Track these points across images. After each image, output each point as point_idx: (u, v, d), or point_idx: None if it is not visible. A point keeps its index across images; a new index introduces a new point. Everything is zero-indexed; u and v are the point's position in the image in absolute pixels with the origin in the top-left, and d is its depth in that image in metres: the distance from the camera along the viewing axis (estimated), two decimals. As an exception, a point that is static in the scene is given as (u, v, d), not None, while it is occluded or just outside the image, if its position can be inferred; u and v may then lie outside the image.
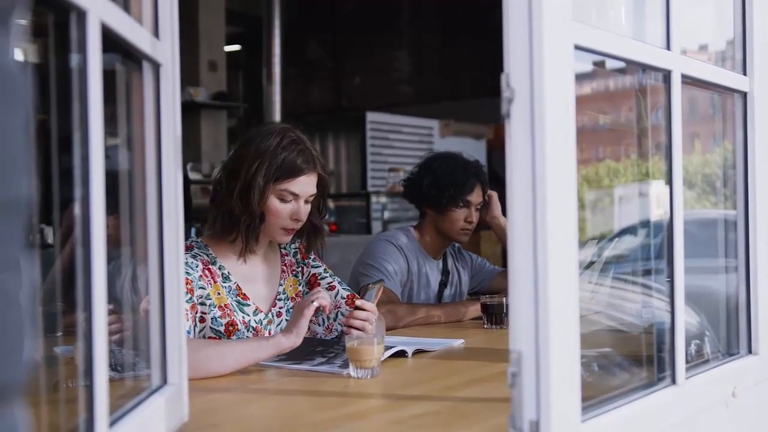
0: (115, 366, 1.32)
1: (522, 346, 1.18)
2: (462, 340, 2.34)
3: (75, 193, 1.01)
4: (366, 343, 1.85)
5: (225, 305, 2.16)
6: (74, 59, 1.01)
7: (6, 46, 0.59)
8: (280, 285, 2.31)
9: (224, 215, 2.17)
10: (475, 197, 2.97)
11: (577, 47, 1.24)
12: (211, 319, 2.13)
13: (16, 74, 0.61)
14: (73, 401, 1.13)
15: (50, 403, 1.19)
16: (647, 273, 1.92)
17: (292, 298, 2.32)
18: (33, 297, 0.61)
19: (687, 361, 1.54)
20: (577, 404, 1.22)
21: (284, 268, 2.34)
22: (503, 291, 2.95)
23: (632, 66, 1.59)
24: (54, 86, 1.08)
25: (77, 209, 1.00)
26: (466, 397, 1.69)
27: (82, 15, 0.99)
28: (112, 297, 1.08)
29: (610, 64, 1.53)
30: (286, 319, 2.27)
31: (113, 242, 1.19)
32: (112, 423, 1.08)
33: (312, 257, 2.40)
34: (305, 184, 2.18)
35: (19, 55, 0.62)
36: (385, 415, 1.57)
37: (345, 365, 1.89)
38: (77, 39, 1.00)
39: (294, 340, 1.92)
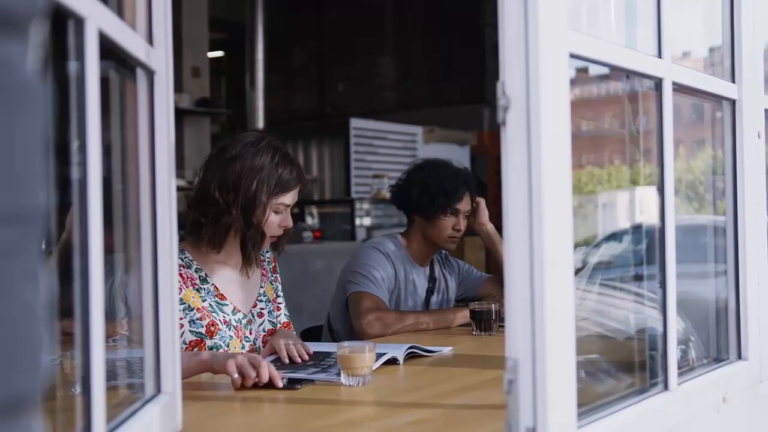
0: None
1: (518, 353, 1.18)
2: (451, 348, 2.34)
3: (64, 200, 1.01)
4: (357, 350, 1.84)
5: (202, 307, 2.20)
6: (71, 66, 1.01)
7: (24, 56, 0.59)
8: (261, 287, 2.39)
9: (223, 230, 2.22)
10: (464, 205, 2.98)
11: (573, 55, 1.24)
12: (190, 322, 2.17)
13: (35, 85, 0.60)
14: (66, 410, 1.12)
15: (45, 412, 1.17)
16: (634, 279, 1.93)
17: (273, 300, 2.41)
18: (50, 308, 0.61)
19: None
20: (573, 411, 1.22)
21: (263, 272, 2.43)
22: (490, 297, 2.95)
23: (617, 73, 1.60)
24: (49, 93, 1.07)
25: (75, 217, 1.00)
26: (459, 404, 1.69)
27: (80, 22, 0.99)
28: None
29: (594, 70, 1.54)
30: (269, 320, 2.37)
31: (105, 250, 1.18)
32: (109, 432, 1.08)
33: (278, 273, 2.50)
34: (295, 195, 2.30)
35: (36, 64, 0.62)
36: (380, 422, 1.57)
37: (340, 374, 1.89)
38: (75, 46, 1.00)
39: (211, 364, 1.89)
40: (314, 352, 2.17)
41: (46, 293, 0.59)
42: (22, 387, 0.57)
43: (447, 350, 2.32)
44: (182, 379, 1.89)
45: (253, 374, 1.80)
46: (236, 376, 1.80)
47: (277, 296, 2.47)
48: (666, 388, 1.51)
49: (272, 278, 2.46)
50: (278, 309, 2.46)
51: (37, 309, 0.58)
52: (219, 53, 10.17)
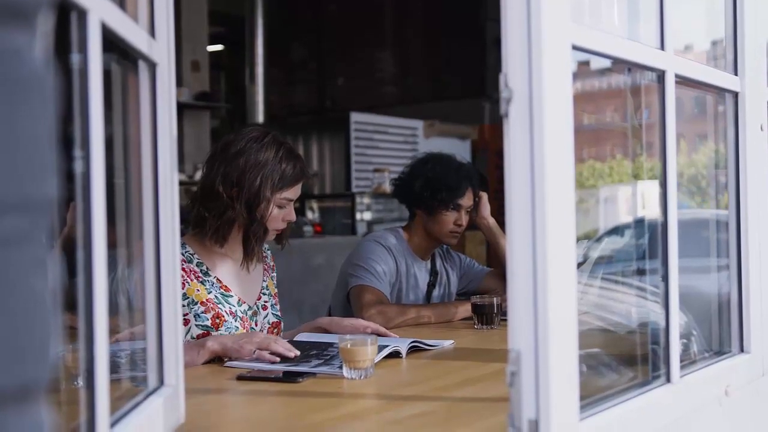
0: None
1: (521, 345, 1.18)
2: (452, 341, 2.34)
3: (66, 194, 1.01)
4: (359, 343, 1.85)
5: (207, 300, 2.22)
6: (74, 58, 1.01)
7: (32, 47, 0.59)
8: (264, 281, 2.41)
9: (227, 224, 2.24)
10: (466, 201, 2.98)
11: (575, 47, 1.24)
12: (195, 316, 2.19)
13: (43, 74, 0.61)
14: (70, 403, 1.12)
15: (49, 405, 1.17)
16: (636, 273, 1.93)
17: (274, 295, 2.44)
18: (58, 297, 0.61)
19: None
20: (575, 403, 1.22)
21: (265, 267, 2.45)
22: (492, 291, 2.96)
23: (619, 66, 1.60)
24: (57, 84, 1.07)
25: (79, 211, 0.99)
26: (461, 396, 1.69)
27: (82, 14, 0.98)
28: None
29: (596, 64, 1.54)
30: (272, 313, 2.40)
31: (107, 244, 1.18)
32: (113, 424, 1.08)
33: (275, 272, 2.54)
34: (298, 189, 2.31)
35: (44, 55, 0.62)
36: (382, 415, 1.57)
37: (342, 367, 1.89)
38: (77, 38, 0.99)
39: (217, 348, 2.04)
40: (316, 342, 2.19)
41: (54, 282, 0.60)
42: (31, 375, 0.57)
43: (448, 343, 2.32)
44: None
45: (280, 349, 2.00)
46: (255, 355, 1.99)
47: (276, 293, 2.49)
48: (668, 380, 1.51)
49: (272, 275, 2.49)
50: (264, 309, 2.47)
51: (45, 298, 0.58)
52: (219, 47, 10.16)
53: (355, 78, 9.86)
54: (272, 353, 2.00)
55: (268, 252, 2.50)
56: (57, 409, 1.21)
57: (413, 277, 3.03)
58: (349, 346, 1.84)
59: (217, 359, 2.09)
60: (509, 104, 1.19)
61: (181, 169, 7.08)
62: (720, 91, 1.81)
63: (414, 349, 2.18)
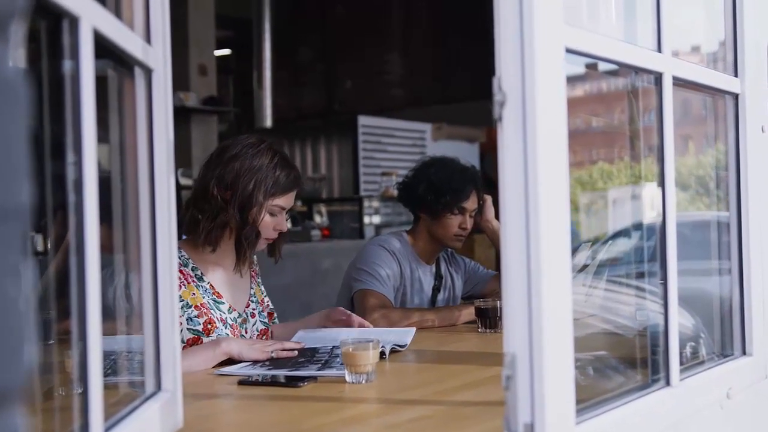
0: (107, 372, 1.31)
1: (516, 349, 1.18)
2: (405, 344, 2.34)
3: (68, 200, 1.01)
4: (361, 348, 1.84)
5: (201, 304, 2.24)
6: (66, 65, 1.01)
7: (5, 53, 0.60)
8: (251, 288, 2.43)
9: (220, 227, 2.25)
10: (471, 204, 2.97)
11: (569, 50, 1.24)
12: (187, 320, 2.20)
13: (17, 82, 0.61)
14: (65, 409, 1.12)
15: (44, 411, 1.18)
16: (641, 275, 1.93)
17: (261, 302, 2.45)
18: (32, 303, 0.62)
19: (682, 363, 1.54)
20: (571, 406, 1.22)
21: (253, 274, 2.47)
22: (497, 295, 2.95)
23: (624, 68, 1.59)
24: (45, 92, 1.07)
25: (71, 217, 1.00)
26: (460, 400, 1.69)
27: (74, 21, 0.99)
28: (105, 305, 1.08)
29: (603, 66, 1.54)
30: (260, 320, 2.42)
31: (105, 250, 1.19)
32: (107, 430, 1.08)
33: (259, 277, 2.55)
34: (290, 198, 2.33)
35: (18, 62, 0.62)
36: (381, 419, 1.57)
37: (343, 367, 1.88)
38: (69, 45, 1.00)
39: (236, 349, 2.09)
40: (304, 348, 2.20)
41: (29, 288, 0.60)
42: (3, 381, 0.57)
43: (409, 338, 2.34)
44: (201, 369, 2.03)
45: (290, 345, 2.16)
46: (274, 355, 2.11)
47: (265, 296, 2.50)
48: (668, 383, 1.51)
49: (258, 280, 2.51)
50: (265, 311, 2.48)
51: (19, 303, 0.58)
52: (226, 51, 10.16)
53: (363, 81, 9.86)
54: (285, 350, 2.13)
55: (254, 258, 2.51)
56: (59, 415, 1.22)
57: (418, 281, 3.02)
58: (351, 350, 1.84)
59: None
60: (503, 108, 1.19)
61: (188, 174, 7.08)
62: (720, 93, 1.81)
63: (395, 347, 2.23)
